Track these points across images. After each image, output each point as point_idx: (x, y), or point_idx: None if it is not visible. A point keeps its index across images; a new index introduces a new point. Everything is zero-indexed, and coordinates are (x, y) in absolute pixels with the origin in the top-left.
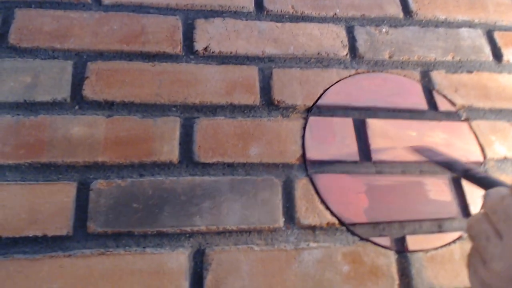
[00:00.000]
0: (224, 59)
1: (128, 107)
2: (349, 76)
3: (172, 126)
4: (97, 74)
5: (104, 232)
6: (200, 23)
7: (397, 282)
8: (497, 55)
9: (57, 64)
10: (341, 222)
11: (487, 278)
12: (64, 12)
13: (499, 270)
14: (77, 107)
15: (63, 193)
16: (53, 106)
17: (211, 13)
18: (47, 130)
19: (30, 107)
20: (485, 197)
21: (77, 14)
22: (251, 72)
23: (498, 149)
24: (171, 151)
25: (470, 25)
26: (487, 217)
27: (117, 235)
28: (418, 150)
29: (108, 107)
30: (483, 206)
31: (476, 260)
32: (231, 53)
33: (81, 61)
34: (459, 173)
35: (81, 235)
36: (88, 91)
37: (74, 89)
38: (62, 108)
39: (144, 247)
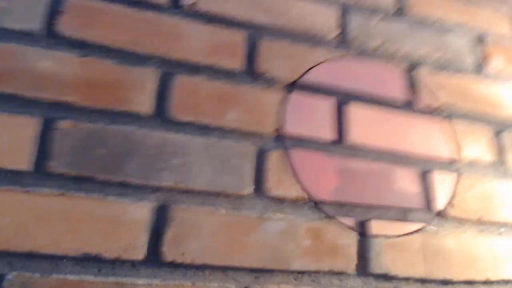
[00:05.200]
0: (211, 19)
1: (104, 50)
2: (337, 57)
3: (149, 77)
4: (75, 10)
5: (66, 173)
6: None
7: (355, 262)
8: (481, 61)
9: None
10: (310, 198)
11: None
12: None
13: None
14: (49, 41)
15: (26, 128)
16: (23, 36)
17: None
18: (14, 60)
19: None
20: None
21: None
22: (238, 37)
23: (472, 149)
24: (145, 103)
25: (461, 29)
26: None
27: (79, 178)
28: None
29: (82, 46)
30: None
31: None
32: (219, 14)
33: None
34: None
35: (41, 173)
36: (63, 27)
37: (47, 21)
38: (33, 40)
39: (106, 194)
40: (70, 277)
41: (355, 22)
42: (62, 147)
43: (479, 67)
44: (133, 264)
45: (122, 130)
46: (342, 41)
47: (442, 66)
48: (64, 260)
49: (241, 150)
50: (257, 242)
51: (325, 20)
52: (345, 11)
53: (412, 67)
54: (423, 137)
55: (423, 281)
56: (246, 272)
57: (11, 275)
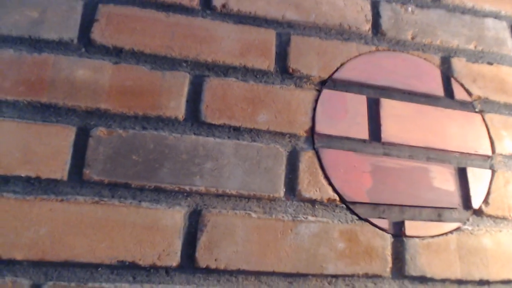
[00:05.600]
0: (242, 18)
1: (137, 56)
2: (369, 52)
3: (181, 81)
4: (108, 17)
5: (100, 181)
6: None
7: (390, 265)
8: None
9: (66, 1)
10: (342, 199)
11: None
12: None
13: None
14: (83, 49)
15: (61, 136)
16: (59, 46)
17: None
18: (50, 70)
19: (34, 43)
20: None
21: None
22: (269, 36)
23: (508, 145)
24: (177, 107)
25: (496, 16)
26: None
27: (113, 186)
28: None
29: (116, 53)
30: None
31: None
32: (250, 13)
33: (92, 2)
34: None
35: (76, 181)
36: (97, 35)
37: (82, 30)
38: (68, 49)
39: (140, 201)
40: (106, 285)
41: (388, 13)
42: (96, 154)
43: None
44: (167, 271)
45: (155, 135)
46: (375, 33)
47: (478, 56)
48: (100, 269)
49: (273, 152)
50: (290, 246)
51: (356, 12)
52: (377, 2)
53: (447, 59)
54: (457, 132)
55: (459, 282)
56: (279, 277)
57: (47, 285)
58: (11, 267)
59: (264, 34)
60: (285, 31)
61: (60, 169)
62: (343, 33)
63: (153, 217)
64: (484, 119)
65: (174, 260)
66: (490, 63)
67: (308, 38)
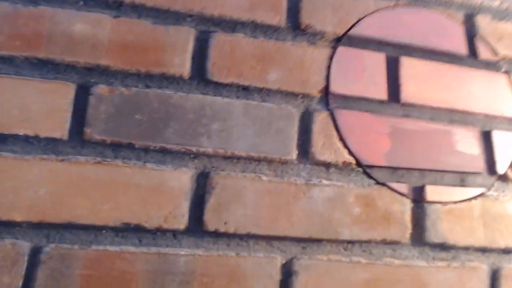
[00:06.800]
0: None
1: (138, 10)
2: (388, 7)
3: (185, 37)
4: None
5: (102, 141)
6: None
7: (409, 231)
8: None
9: None
10: (358, 163)
11: None
12: None
13: None
14: (81, 2)
15: (60, 94)
16: None
17: None
18: (47, 23)
19: None
20: None
21: None
22: None
23: None
24: (182, 65)
25: None
26: None
27: (116, 146)
28: None
29: (116, 6)
30: None
31: None
32: None
33: None
34: None
35: (76, 140)
36: None
37: None
38: (65, 2)
39: (144, 162)
40: (110, 248)
41: None
42: (98, 113)
43: None
44: (174, 234)
45: (159, 94)
46: None
47: (503, 14)
48: (104, 231)
49: (284, 112)
50: (303, 210)
51: None
52: None
53: (470, 16)
54: (482, 93)
55: (483, 250)
56: (292, 241)
57: (48, 248)
58: (11, 229)
59: None
60: None
61: (59, 128)
62: None
63: (159, 179)
64: (510, 80)
65: (181, 223)
66: None
67: None
